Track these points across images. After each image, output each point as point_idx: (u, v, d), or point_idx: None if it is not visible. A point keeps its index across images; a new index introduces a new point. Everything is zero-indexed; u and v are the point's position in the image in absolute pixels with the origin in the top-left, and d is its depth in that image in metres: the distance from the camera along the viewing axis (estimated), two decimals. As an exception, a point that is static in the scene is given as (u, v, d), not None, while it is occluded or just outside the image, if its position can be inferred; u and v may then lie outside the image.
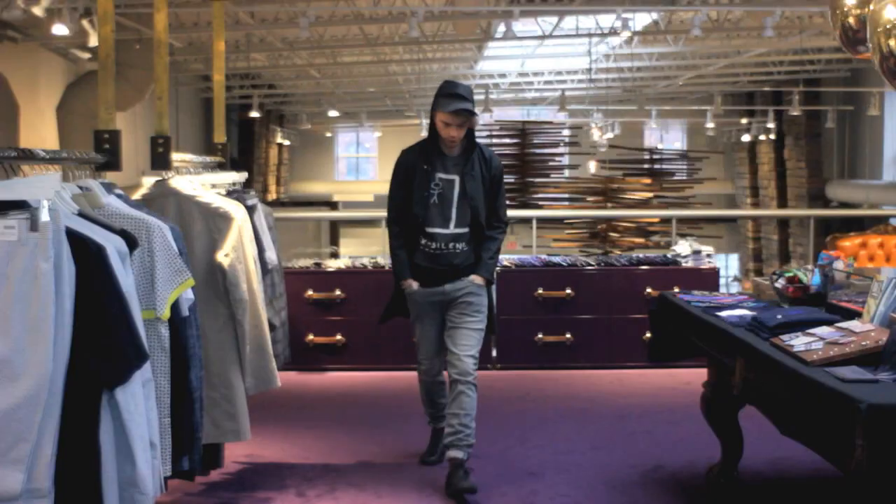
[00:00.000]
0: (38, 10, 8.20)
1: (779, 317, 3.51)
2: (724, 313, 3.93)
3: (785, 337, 3.32)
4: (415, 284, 4.53)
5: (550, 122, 18.67)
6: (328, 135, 24.64)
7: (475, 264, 4.54)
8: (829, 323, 3.41)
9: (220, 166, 5.19)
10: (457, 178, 4.48)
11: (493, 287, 4.72)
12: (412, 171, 4.52)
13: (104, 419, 2.66)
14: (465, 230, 4.49)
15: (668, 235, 14.46)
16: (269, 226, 4.91)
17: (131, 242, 2.88)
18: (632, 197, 16.79)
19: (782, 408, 3.15)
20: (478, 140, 4.62)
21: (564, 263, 7.21)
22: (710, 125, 18.29)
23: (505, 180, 4.81)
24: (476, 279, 4.51)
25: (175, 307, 3.18)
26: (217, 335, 4.05)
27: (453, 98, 4.38)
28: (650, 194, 16.75)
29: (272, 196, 20.33)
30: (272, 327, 4.74)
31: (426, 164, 4.49)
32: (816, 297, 3.99)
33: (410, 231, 4.52)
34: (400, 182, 4.57)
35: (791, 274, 4.12)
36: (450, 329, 4.52)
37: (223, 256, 4.01)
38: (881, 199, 14.19)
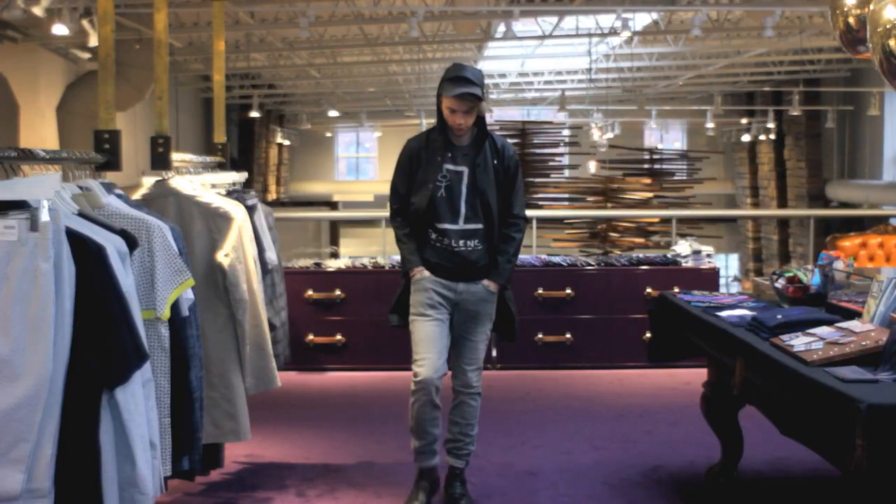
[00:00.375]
0: (38, 10, 8.21)
1: (779, 317, 3.51)
2: (724, 313, 3.93)
3: (785, 337, 3.32)
4: (426, 272, 4.13)
5: (550, 122, 18.65)
6: (328, 135, 24.65)
7: (490, 266, 4.18)
8: (829, 323, 3.41)
9: (220, 166, 5.19)
10: (466, 170, 4.09)
11: (509, 292, 4.32)
12: (417, 161, 4.15)
13: (104, 419, 2.66)
14: (478, 226, 4.11)
15: (668, 235, 14.44)
16: (269, 226, 4.91)
17: (131, 242, 2.89)
18: (632, 197, 16.77)
19: (782, 408, 3.15)
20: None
21: (564, 263, 7.21)
22: (710, 125, 18.30)
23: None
24: (490, 285, 4.17)
25: (175, 307, 3.18)
26: (217, 335, 4.05)
27: (459, 82, 3.97)
28: (650, 194, 16.73)
29: (272, 196, 20.34)
30: (272, 327, 4.73)
31: (432, 154, 4.11)
32: (816, 297, 3.99)
33: (416, 226, 4.17)
34: (404, 173, 4.20)
35: (791, 274, 4.12)
36: (457, 339, 4.20)
37: (223, 256, 4.01)
38: (881, 199, 14.20)
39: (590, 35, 12.62)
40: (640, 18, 11.74)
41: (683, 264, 7.22)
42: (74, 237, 2.65)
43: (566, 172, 18.00)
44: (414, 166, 4.17)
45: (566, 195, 17.50)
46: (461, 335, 4.20)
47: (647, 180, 17.18)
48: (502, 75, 17.60)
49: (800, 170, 17.32)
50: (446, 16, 11.14)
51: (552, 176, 17.65)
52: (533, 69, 17.09)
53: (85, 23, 9.13)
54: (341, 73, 16.57)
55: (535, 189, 17.24)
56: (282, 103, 20.54)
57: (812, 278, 4.04)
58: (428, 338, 4.09)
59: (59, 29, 8.74)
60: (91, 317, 2.64)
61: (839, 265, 4.30)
